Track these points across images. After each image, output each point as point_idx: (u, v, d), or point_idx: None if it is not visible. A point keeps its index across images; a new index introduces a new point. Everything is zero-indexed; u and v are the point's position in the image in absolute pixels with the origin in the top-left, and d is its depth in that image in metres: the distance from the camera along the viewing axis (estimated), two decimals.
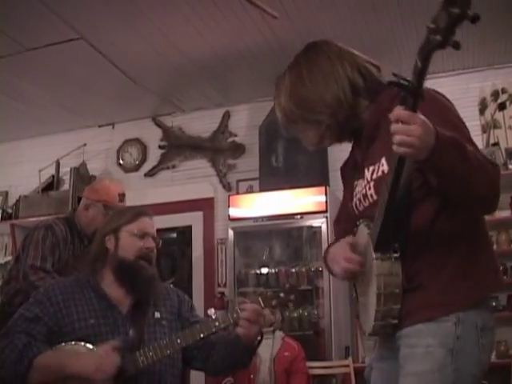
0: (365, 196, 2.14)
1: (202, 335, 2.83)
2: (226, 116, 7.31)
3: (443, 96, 2.09)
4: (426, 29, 1.57)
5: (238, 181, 7.10)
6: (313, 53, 2.29)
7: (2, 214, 7.74)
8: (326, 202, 5.91)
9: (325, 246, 5.75)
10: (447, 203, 1.93)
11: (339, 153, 6.50)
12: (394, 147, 1.72)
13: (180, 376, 3.00)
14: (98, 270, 2.99)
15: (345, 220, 2.36)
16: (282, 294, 5.81)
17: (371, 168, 2.11)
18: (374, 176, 2.08)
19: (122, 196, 4.34)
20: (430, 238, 1.97)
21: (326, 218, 5.87)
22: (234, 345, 2.92)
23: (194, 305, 3.24)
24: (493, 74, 6.20)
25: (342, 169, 2.44)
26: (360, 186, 2.18)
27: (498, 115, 6.06)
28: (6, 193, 8.14)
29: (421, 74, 1.63)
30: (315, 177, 6.23)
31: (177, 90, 6.98)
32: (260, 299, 2.91)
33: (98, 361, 2.63)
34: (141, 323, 2.89)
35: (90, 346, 2.72)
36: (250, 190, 6.82)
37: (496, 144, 5.90)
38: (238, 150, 7.21)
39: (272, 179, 6.34)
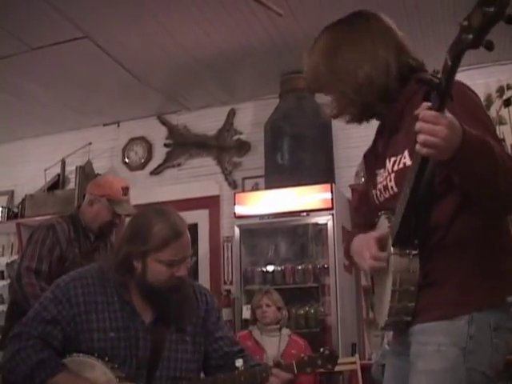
0: (385, 187, 2.13)
1: None
2: (232, 114, 7.32)
3: (473, 91, 2.06)
4: (458, 26, 1.54)
5: (244, 178, 7.12)
6: (358, 24, 2.24)
7: (8, 213, 7.76)
8: (332, 199, 5.90)
9: (331, 242, 5.79)
10: (469, 199, 1.91)
11: (345, 150, 6.60)
12: (417, 147, 1.70)
13: None
14: (124, 275, 2.74)
15: (365, 208, 2.35)
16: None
17: (393, 159, 2.09)
18: (396, 168, 2.06)
19: (125, 190, 4.32)
20: (449, 234, 1.96)
21: (332, 215, 5.86)
22: None
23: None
24: (498, 70, 6.18)
25: (365, 156, 2.42)
26: (381, 177, 2.16)
27: (504, 111, 6.05)
28: (12, 192, 8.17)
29: (450, 73, 1.59)
30: (321, 174, 6.23)
31: (182, 88, 6.98)
32: (294, 364, 2.72)
33: None
34: (162, 337, 2.73)
35: (105, 364, 2.59)
36: (255, 188, 6.83)
37: (502, 140, 5.88)
38: (244, 147, 7.21)
39: (277, 177, 6.33)
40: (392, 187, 2.08)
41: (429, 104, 1.67)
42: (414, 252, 1.95)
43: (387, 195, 2.13)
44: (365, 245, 2.10)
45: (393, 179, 2.08)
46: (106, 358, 2.60)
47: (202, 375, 2.89)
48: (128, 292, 2.73)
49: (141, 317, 2.71)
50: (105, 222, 4.21)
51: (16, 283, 3.96)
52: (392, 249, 1.98)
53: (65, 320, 2.62)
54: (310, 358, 2.77)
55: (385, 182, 2.13)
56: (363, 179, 2.45)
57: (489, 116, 2.02)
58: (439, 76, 1.61)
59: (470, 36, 1.51)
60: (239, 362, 2.71)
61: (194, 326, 2.83)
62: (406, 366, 2.04)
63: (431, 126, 1.65)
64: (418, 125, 1.67)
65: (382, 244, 2.06)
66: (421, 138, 1.67)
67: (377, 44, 2.14)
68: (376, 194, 2.20)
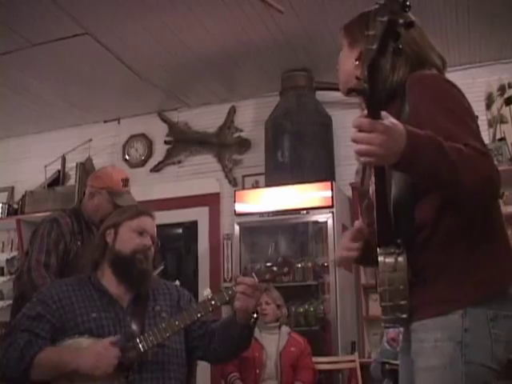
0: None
1: (199, 315, 2.85)
2: (232, 111, 7.31)
3: (445, 81, 2.04)
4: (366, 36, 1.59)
5: (244, 176, 7.11)
6: None
7: (8, 209, 7.76)
8: (332, 197, 5.90)
9: (331, 241, 5.80)
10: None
11: (345, 148, 6.60)
12: (355, 157, 1.70)
13: (186, 366, 3.02)
14: (99, 265, 3.06)
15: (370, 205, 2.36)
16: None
17: None
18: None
19: (125, 181, 4.34)
20: (436, 231, 1.95)
21: (332, 213, 5.86)
22: (230, 326, 2.93)
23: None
24: (499, 69, 6.17)
25: None
26: (373, 182, 2.16)
27: (505, 110, 6.04)
28: (12, 188, 8.16)
29: (369, 81, 1.60)
30: (321, 172, 6.23)
31: (183, 86, 6.98)
32: (254, 274, 2.90)
33: (96, 357, 2.64)
34: (141, 316, 2.93)
35: (92, 339, 2.75)
36: (255, 186, 6.82)
37: (502, 139, 5.88)
38: (244, 145, 7.21)
39: (278, 174, 6.33)
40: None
41: (365, 113, 1.66)
42: (398, 251, 1.95)
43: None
44: (343, 237, 2.22)
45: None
46: (93, 339, 2.77)
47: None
48: (103, 286, 2.98)
49: (119, 302, 2.94)
50: (106, 215, 4.19)
51: (26, 275, 3.99)
52: (378, 249, 1.99)
53: (49, 314, 2.83)
54: (266, 267, 3.01)
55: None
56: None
57: (462, 103, 1.98)
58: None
59: (375, 46, 1.54)
60: (207, 291, 2.91)
61: (169, 307, 3.06)
62: (408, 361, 2.05)
63: (365, 134, 1.64)
64: (353, 134, 1.67)
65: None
66: (356, 147, 1.66)
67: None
68: (371, 192, 2.20)
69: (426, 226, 1.95)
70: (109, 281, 2.99)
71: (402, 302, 1.96)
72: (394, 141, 1.66)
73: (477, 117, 2.03)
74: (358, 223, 2.20)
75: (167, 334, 2.80)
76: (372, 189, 2.18)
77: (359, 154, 1.67)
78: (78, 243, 4.15)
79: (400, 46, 1.54)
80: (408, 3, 1.51)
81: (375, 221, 1.97)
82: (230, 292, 2.85)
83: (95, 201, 4.26)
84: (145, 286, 3.02)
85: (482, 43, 5.83)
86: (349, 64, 2.20)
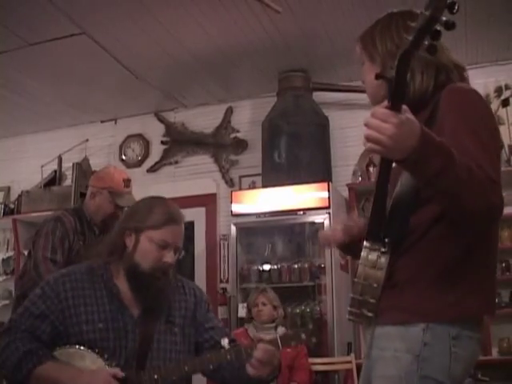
0: None
1: (211, 366, 2.69)
2: (229, 112, 7.32)
3: (471, 92, 2.01)
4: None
5: (241, 176, 7.11)
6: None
7: (5, 209, 7.76)
8: (329, 198, 5.90)
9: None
10: None
11: (342, 149, 6.61)
12: (363, 141, 1.69)
13: None
14: (113, 263, 2.81)
15: None
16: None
17: None
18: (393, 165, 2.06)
19: (126, 181, 4.35)
20: (423, 240, 1.93)
21: (329, 214, 5.85)
22: (243, 379, 2.76)
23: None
24: (496, 70, 6.18)
25: None
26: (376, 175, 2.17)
27: (502, 112, 6.05)
28: (9, 188, 8.16)
29: (397, 72, 1.60)
30: (318, 173, 6.23)
31: (179, 86, 6.98)
32: (279, 338, 2.71)
33: None
34: (151, 329, 2.76)
35: (95, 353, 2.61)
36: (252, 186, 6.82)
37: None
38: (241, 145, 7.21)
39: (275, 175, 6.33)
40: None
41: (386, 103, 1.66)
42: (383, 250, 1.94)
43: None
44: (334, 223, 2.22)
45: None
46: (96, 350, 2.62)
47: None
48: (116, 286, 2.76)
49: (129, 310, 2.74)
50: (107, 215, 4.23)
51: (34, 271, 4.00)
52: (365, 242, 1.98)
53: (53, 314, 2.66)
54: (294, 332, 2.82)
55: None
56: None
57: (489, 129, 1.95)
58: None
59: (410, 38, 1.54)
60: (224, 341, 2.73)
61: (182, 318, 2.87)
62: (370, 367, 2.03)
63: (378, 122, 1.63)
64: (366, 119, 1.66)
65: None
66: (366, 132, 1.66)
67: None
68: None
69: (415, 231, 1.94)
70: (122, 283, 2.77)
71: (372, 300, 1.93)
72: (405, 137, 1.65)
73: (502, 145, 2.00)
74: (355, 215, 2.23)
75: (173, 378, 2.65)
76: None
77: (367, 139, 1.66)
78: (81, 243, 4.17)
79: (435, 45, 1.54)
80: (456, 5, 1.49)
81: (370, 214, 1.97)
82: (249, 351, 2.67)
83: (96, 201, 4.27)
84: (159, 302, 2.79)
85: (479, 45, 5.83)
86: (372, 77, 2.19)
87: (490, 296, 1.97)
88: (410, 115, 1.65)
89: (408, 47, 1.56)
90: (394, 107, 1.63)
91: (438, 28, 1.51)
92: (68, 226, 4.14)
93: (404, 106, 1.65)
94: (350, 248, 2.25)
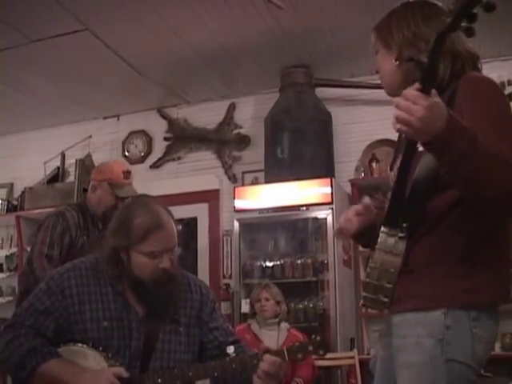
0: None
1: (215, 374, 2.66)
2: (232, 108, 7.31)
3: (490, 82, 2.03)
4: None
5: (244, 172, 7.11)
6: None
7: (8, 205, 7.77)
8: (332, 193, 5.90)
9: (330, 237, 5.80)
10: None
11: (345, 145, 6.61)
12: (392, 122, 1.71)
13: None
14: (114, 270, 2.74)
15: (387, 189, 2.37)
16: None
17: None
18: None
19: (126, 173, 4.38)
20: (440, 226, 1.95)
21: (332, 209, 5.85)
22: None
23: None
24: (499, 66, 6.16)
25: (398, 138, 2.38)
26: (399, 160, 2.16)
27: None
28: (12, 185, 8.17)
29: (432, 54, 1.63)
30: (320, 168, 6.24)
31: (182, 82, 6.98)
32: (285, 350, 2.67)
33: None
34: (156, 329, 2.73)
35: (99, 352, 2.59)
36: (255, 182, 6.83)
37: None
38: (244, 141, 7.21)
39: (277, 171, 6.34)
40: None
41: (418, 85, 1.68)
42: (401, 235, 1.96)
43: None
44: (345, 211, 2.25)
45: None
46: (100, 348, 2.60)
47: None
48: (121, 284, 2.73)
49: (134, 308, 2.71)
50: (108, 207, 4.24)
51: (27, 267, 4.02)
52: (382, 227, 2.00)
53: (58, 311, 2.63)
54: (301, 343, 2.77)
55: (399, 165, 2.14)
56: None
57: (507, 115, 1.95)
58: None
59: (449, 19, 1.56)
60: (230, 349, 2.72)
61: (188, 318, 2.84)
62: (390, 355, 2.04)
63: (409, 103, 1.66)
64: (397, 100, 1.69)
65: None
66: (395, 113, 1.68)
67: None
68: (392, 176, 2.21)
69: (433, 215, 1.95)
70: (126, 285, 2.72)
71: (388, 285, 1.96)
72: (434, 119, 1.67)
73: None
74: (367, 199, 2.23)
75: (177, 383, 2.62)
76: (392, 174, 2.21)
77: (397, 119, 1.68)
78: (85, 237, 4.18)
79: (472, 27, 1.57)
80: None
81: (388, 198, 1.99)
82: (254, 361, 2.63)
83: (97, 194, 4.29)
84: (165, 304, 2.75)
85: (481, 40, 5.82)
86: (389, 65, 2.18)
87: (505, 284, 1.99)
88: (438, 99, 1.68)
89: (446, 29, 1.57)
90: (425, 90, 1.66)
91: (475, 11, 1.54)
92: (70, 222, 4.15)
93: (433, 90, 1.67)
94: (364, 236, 2.26)
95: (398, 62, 2.14)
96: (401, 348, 1.95)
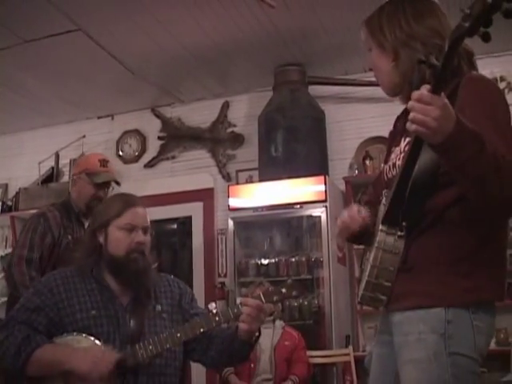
0: (394, 165, 2.15)
1: (202, 329, 2.79)
2: (225, 106, 7.32)
3: (492, 87, 2.04)
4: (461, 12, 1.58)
5: (238, 171, 7.11)
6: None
7: (2, 206, 7.76)
8: (326, 191, 5.91)
9: (324, 235, 5.83)
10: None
11: (338, 142, 6.62)
12: (408, 124, 1.72)
13: (181, 368, 2.98)
14: (98, 262, 2.95)
15: (378, 184, 2.37)
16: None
17: (407, 139, 2.09)
18: (407, 148, 2.05)
19: (102, 161, 4.38)
20: (441, 220, 1.96)
21: (326, 207, 5.87)
22: (232, 339, 2.87)
23: (195, 296, 3.21)
24: (491, 62, 6.16)
25: (390, 133, 2.42)
26: (394, 154, 2.18)
27: None
28: (6, 185, 8.16)
29: (446, 57, 1.63)
30: (314, 166, 6.25)
31: (176, 81, 6.98)
32: (261, 294, 2.82)
33: (92, 360, 2.62)
34: (141, 315, 2.87)
35: (91, 337, 2.73)
36: (249, 180, 6.83)
37: None
38: (238, 140, 7.21)
39: (271, 169, 6.35)
40: (399, 166, 2.09)
41: (428, 86, 1.68)
42: (400, 233, 1.97)
43: (394, 173, 2.14)
44: (347, 208, 2.24)
45: (401, 159, 2.09)
46: (92, 337, 2.74)
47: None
48: (105, 279, 2.91)
49: (119, 299, 2.89)
50: (89, 197, 4.24)
51: (7, 271, 4.04)
52: (380, 225, 2.01)
53: (48, 307, 2.79)
54: (275, 287, 2.95)
55: (394, 160, 2.15)
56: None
57: (507, 117, 1.97)
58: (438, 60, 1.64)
59: (467, 24, 1.55)
60: (212, 306, 2.86)
61: (170, 306, 3.00)
62: (391, 355, 2.06)
63: (423, 105, 1.67)
64: (411, 103, 1.69)
65: (377, 222, 2.12)
66: (411, 114, 1.69)
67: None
68: (386, 170, 2.23)
69: (432, 213, 1.97)
70: (109, 278, 2.91)
71: (386, 284, 1.98)
72: (447, 120, 1.69)
73: None
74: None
75: (167, 345, 2.76)
76: (386, 167, 2.22)
77: (413, 121, 1.69)
78: (69, 237, 4.16)
79: (489, 32, 1.57)
80: None
81: (389, 197, 2.00)
82: (235, 310, 2.79)
83: (77, 187, 4.32)
84: (145, 284, 2.93)
85: (474, 37, 5.83)
86: (385, 66, 2.17)
87: (502, 283, 2.01)
88: (446, 100, 1.69)
89: (463, 34, 1.57)
90: (436, 91, 1.67)
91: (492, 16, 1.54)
92: (52, 222, 4.14)
93: (442, 93, 1.68)
94: (365, 235, 2.25)
95: (394, 63, 2.14)
96: (403, 345, 1.97)
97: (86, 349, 2.68)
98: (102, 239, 2.94)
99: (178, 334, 2.78)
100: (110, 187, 4.36)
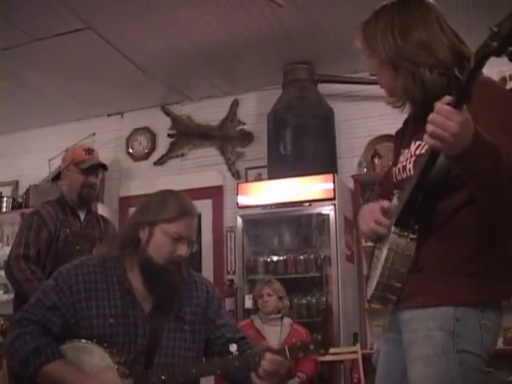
0: (404, 168, 2.16)
1: (218, 371, 2.72)
2: (235, 104, 7.34)
3: (502, 88, 2.08)
4: (488, 30, 1.55)
5: (247, 169, 7.14)
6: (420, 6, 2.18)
7: (13, 203, 7.80)
8: (334, 189, 5.92)
9: (333, 233, 5.82)
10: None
11: (347, 140, 6.63)
12: (425, 136, 1.73)
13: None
14: (126, 256, 2.81)
15: (385, 184, 2.38)
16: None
17: (418, 143, 2.10)
18: (418, 152, 2.09)
19: (88, 150, 4.46)
20: (449, 225, 1.98)
21: (334, 205, 5.88)
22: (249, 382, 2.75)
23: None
24: (500, 61, 6.09)
25: (397, 133, 2.42)
26: (403, 157, 2.19)
27: None
28: (17, 182, 8.21)
29: (471, 74, 1.62)
30: (323, 164, 6.25)
31: (185, 79, 7.00)
32: (287, 350, 2.69)
33: None
34: (161, 326, 2.77)
35: (103, 350, 2.63)
36: (258, 178, 6.85)
37: None
38: (247, 138, 7.23)
39: (280, 167, 6.36)
40: (410, 169, 2.11)
41: (449, 98, 1.68)
42: (413, 236, 1.99)
43: (404, 176, 2.15)
44: (370, 211, 2.18)
45: (412, 162, 2.10)
46: (105, 344, 2.64)
47: None
48: (129, 281, 2.77)
49: (140, 305, 2.75)
50: (79, 186, 4.31)
51: (8, 273, 4.08)
52: (393, 227, 2.02)
53: (65, 307, 2.67)
54: (302, 342, 2.78)
55: (405, 163, 2.16)
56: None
57: None
58: (461, 75, 1.64)
59: (495, 44, 1.54)
60: (233, 347, 2.72)
61: (193, 315, 2.87)
62: (398, 353, 2.09)
63: (444, 119, 1.67)
64: (431, 116, 1.70)
65: (389, 216, 2.13)
66: (430, 128, 1.70)
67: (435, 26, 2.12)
68: (395, 172, 2.24)
69: (442, 214, 1.99)
70: (135, 277, 2.78)
71: (397, 284, 2.00)
72: (466, 135, 1.70)
73: None
74: (386, 203, 2.19)
75: (180, 379, 2.65)
76: (396, 170, 2.23)
77: (432, 135, 1.70)
78: (67, 230, 4.20)
79: None
80: None
81: (403, 200, 2.01)
82: (256, 360, 2.66)
83: (67, 179, 4.37)
84: (172, 299, 2.81)
85: (482, 35, 5.81)
86: (386, 74, 2.16)
87: (509, 282, 2.02)
88: (467, 114, 1.69)
89: (490, 53, 1.57)
90: (458, 105, 1.67)
91: None
92: (46, 217, 4.19)
93: (464, 106, 1.68)
94: None
95: (393, 76, 2.13)
96: (412, 342, 1.99)
97: (97, 377, 2.59)
98: (143, 235, 2.78)
99: (194, 370, 2.68)
100: (99, 174, 4.44)
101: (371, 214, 2.15)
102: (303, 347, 2.73)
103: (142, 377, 2.63)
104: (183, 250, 2.77)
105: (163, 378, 2.63)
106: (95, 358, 2.62)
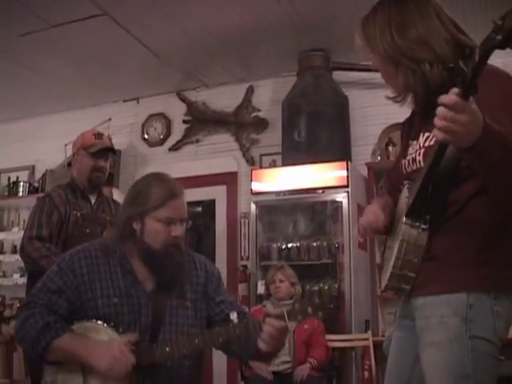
0: (413, 160, 2.17)
1: (220, 340, 2.73)
2: (250, 91, 7.35)
3: (505, 73, 2.05)
4: (491, 23, 1.55)
5: (261, 155, 7.16)
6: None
7: (29, 187, 7.88)
8: (348, 176, 5.93)
9: (346, 220, 5.83)
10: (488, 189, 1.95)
11: (361, 128, 6.62)
12: (435, 131, 1.73)
13: (200, 366, 2.97)
14: (126, 243, 2.86)
15: (394, 175, 2.41)
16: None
17: (426, 134, 2.11)
18: (427, 144, 2.10)
19: (98, 135, 4.50)
20: (461, 214, 2.01)
21: (347, 192, 5.89)
22: (251, 352, 2.85)
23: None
24: (504, 53, 6.07)
25: (404, 124, 2.44)
26: (412, 148, 2.20)
27: None
28: (33, 167, 8.29)
29: (476, 67, 1.62)
30: (337, 152, 6.26)
31: (201, 66, 7.02)
32: (285, 313, 2.72)
33: (111, 360, 2.60)
34: (164, 304, 2.84)
35: (110, 328, 2.70)
36: (272, 165, 6.87)
37: None
38: (261, 124, 7.25)
39: (294, 154, 6.36)
40: (420, 161, 2.12)
41: (457, 90, 1.67)
42: (424, 226, 2.03)
43: (414, 167, 2.17)
44: (374, 205, 2.26)
45: (421, 154, 2.12)
46: (112, 324, 2.71)
47: None
48: (130, 263, 2.84)
49: (142, 285, 2.82)
50: (89, 170, 4.35)
51: (21, 253, 4.15)
52: (404, 218, 2.05)
53: (70, 290, 2.75)
54: (300, 306, 2.88)
55: (414, 155, 2.17)
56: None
57: None
58: (466, 67, 1.64)
59: (499, 37, 1.53)
60: (233, 315, 2.77)
61: (194, 293, 2.94)
62: (410, 339, 2.13)
63: (452, 112, 1.67)
64: (440, 109, 1.69)
65: (398, 211, 2.17)
66: (440, 123, 1.69)
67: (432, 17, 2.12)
68: (404, 164, 2.25)
69: (453, 204, 2.01)
70: (136, 261, 2.84)
71: (410, 274, 2.04)
72: (476, 127, 1.70)
73: None
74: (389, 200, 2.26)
75: (184, 350, 2.71)
76: (405, 162, 2.24)
77: (442, 129, 1.70)
78: (78, 214, 4.25)
79: None
80: None
81: (414, 192, 2.03)
82: (256, 326, 2.71)
83: (77, 164, 4.42)
84: (176, 280, 2.87)
85: (488, 27, 5.77)
86: (388, 70, 2.17)
87: None
88: (475, 105, 1.69)
89: (494, 47, 1.56)
90: (466, 97, 1.66)
91: None
92: (57, 200, 4.23)
93: (471, 97, 1.68)
94: (386, 231, 2.31)
95: (395, 72, 2.14)
96: (425, 328, 2.02)
97: (105, 345, 2.65)
98: (136, 226, 2.82)
99: (196, 341, 2.73)
100: (108, 158, 4.47)
101: (372, 208, 2.25)
102: (301, 310, 2.82)
103: (148, 350, 2.70)
104: (178, 231, 2.82)
105: (167, 350, 2.69)
106: (102, 335, 2.70)
